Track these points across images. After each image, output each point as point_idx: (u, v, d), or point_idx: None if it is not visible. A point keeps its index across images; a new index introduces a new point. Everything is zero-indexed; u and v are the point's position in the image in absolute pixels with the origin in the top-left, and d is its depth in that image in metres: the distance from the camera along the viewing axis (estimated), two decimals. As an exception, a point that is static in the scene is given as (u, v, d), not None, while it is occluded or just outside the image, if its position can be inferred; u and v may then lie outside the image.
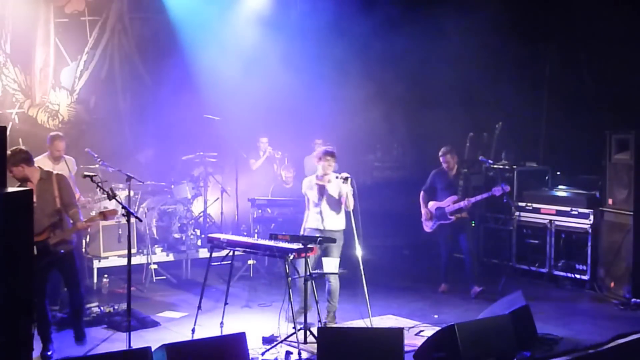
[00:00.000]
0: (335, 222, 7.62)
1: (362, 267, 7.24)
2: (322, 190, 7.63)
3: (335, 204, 7.61)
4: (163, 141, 10.77)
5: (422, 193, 9.30)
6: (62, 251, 6.55)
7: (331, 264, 7.35)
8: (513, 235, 10.24)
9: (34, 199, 6.38)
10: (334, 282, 7.55)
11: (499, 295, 8.49)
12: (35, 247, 6.28)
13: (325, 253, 7.43)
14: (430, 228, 9.24)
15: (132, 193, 9.49)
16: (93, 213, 8.53)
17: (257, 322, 7.65)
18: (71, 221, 6.64)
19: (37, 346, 6.45)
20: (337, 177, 7.51)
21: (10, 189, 4.85)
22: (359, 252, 7.29)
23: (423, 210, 9.27)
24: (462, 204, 8.98)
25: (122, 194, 9.17)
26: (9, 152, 6.62)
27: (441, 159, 9.18)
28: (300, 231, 7.70)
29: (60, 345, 6.70)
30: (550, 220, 9.84)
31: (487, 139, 10.97)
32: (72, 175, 8.39)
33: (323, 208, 7.61)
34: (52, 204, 6.53)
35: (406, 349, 6.24)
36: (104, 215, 6.71)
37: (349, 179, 7.42)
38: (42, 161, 8.01)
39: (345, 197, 7.51)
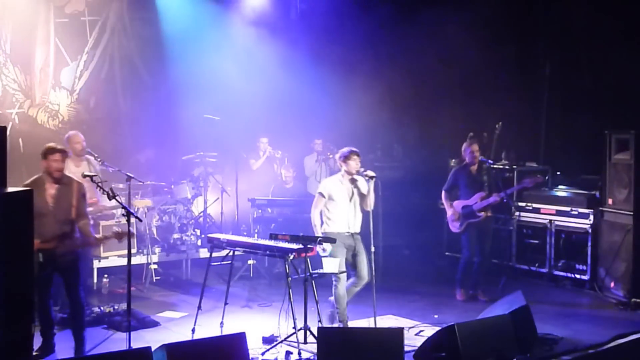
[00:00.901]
0: (359, 222, 7.46)
1: (374, 267, 7.24)
2: (353, 190, 7.41)
3: (362, 204, 7.44)
4: (163, 141, 10.77)
5: (443, 193, 9.01)
6: (68, 261, 6.49)
7: (331, 264, 7.35)
8: (513, 235, 10.23)
9: (50, 203, 6.36)
10: (360, 287, 7.41)
11: (498, 295, 8.50)
12: (41, 255, 6.23)
13: (358, 254, 7.34)
14: (458, 228, 8.92)
15: (139, 206, 9.51)
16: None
17: (257, 322, 7.65)
18: (79, 233, 6.53)
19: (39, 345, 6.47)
20: (362, 172, 7.30)
21: (10, 189, 4.85)
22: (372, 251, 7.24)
23: (449, 211, 8.94)
24: (491, 199, 8.74)
25: (139, 201, 9.24)
26: (52, 145, 6.57)
27: (467, 150, 8.87)
28: (317, 232, 7.38)
29: (60, 345, 6.69)
30: (550, 220, 9.84)
31: (487, 139, 10.97)
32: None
33: (352, 209, 7.39)
34: (67, 212, 6.41)
35: (406, 349, 6.24)
36: (120, 235, 6.59)
37: (374, 178, 7.29)
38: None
39: (368, 195, 7.34)
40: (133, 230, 7.41)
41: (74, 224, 6.48)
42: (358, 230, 7.47)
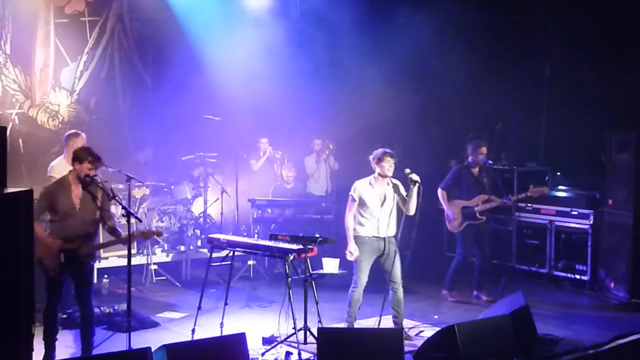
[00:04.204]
0: (393, 228, 7.19)
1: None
2: (385, 194, 7.14)
3: (403, 208, 7.14)
4: (163, 141, 10.77)
5: (442, 192, 8.79)
6: (92, 263, 6.50)
7: (331, 265, 7.33)
8: (513, 236, 10.24)
9: (77, 204, 6.34)
10: (399, 291, 7.17)
11: (499, 295, 8.50)
12: (63, 255, 6.24)
13: (391, 258, 7.13)
14: (457, 228, 8.81)
15: (137, 196, 9.52)
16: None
17: (257, 322, 7.65)
18: (108, 233, 6.51)
19: (39, 349, 6.46)
20: (408, 174, 7.02)
21: (10, 189, 4.84)
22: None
23: (450, 209, 8.76)
24: (494, 203, 8.68)
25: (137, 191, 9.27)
26: (88, 148, 6.50)
27: (476, 151, 8.71)
28: (349, 237, 7.17)
29: (60, 345, 6.69)
30: (550, 221, 9.84)
31: (487, 139, 10.96)
32: None
33: (384, 213, 7.14)
34: (93, 213, 6.37)
35: (406, 349, 6.24)
36: (146, 235, 6.61)
37: (417, 184, 7.02)
38: (60, 165, 7.70)
39: (409, 199, 7.05)
40: (133, 229, 7.41)
41: (98, 225, 6.48)
42: (391, 234, 7.18)
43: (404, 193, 7.24)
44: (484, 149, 8.80)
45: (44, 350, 6.41)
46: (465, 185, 8.86)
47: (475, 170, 8.87)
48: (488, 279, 9.08)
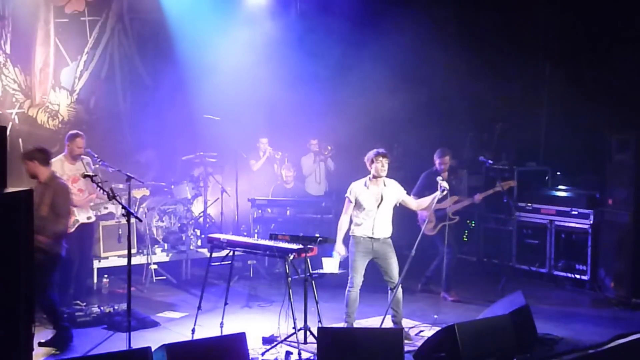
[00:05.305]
0: (388, 229, 7.23)
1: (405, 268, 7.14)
2: (382, 195, 7.17)
3: (390, 210, 7.21)
4: (163, 141, 10.76)
5: (414, 197, 8.52)
6: (41, 257, 6.45)
7: (331, 264, 7.33)
8: (513, 236, 10.23)
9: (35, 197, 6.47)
10: (398, 291, 7.14)
11: (498, 295, 8.50)
12: None
13: (386, 258, 7.16)
14: (432, 231, 8.89)
15: (137, 196, 9.51)
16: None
17: (257, 322, 7.65)
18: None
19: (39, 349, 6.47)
20: (439, 180, 7.33)
21: (10, 189, 4.85)
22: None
23: (425, 213, 8.73)
24: (466, 202, 8.88)
25: (137, 192, 9.27)
26: (30, 147, 7.00)
27: (439, 160, 8.92)
28: (337, 237, 7.20)
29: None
30: (550, 220, 9.84)
31: (487, 139, 10.97)
32: None
33: (378, 215, 7.14)
34: (37, 209, 6.35)
35: (406, 349, 6.25)
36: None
37: (446, 192, 7.31)
38: (58, 162, 8.00)
39: (430, 200, 7.32)
40: (133, 230, 7.44)
41: (46, 221, 6.54)
42: (386, 235, 7.21)
43: (403, 192, 7.32)
44: (447, 159, 8.95)
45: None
46: (435, 189, 8.90)
47: (445, 174, 8.93)
48: (487, 278, 9.09)
